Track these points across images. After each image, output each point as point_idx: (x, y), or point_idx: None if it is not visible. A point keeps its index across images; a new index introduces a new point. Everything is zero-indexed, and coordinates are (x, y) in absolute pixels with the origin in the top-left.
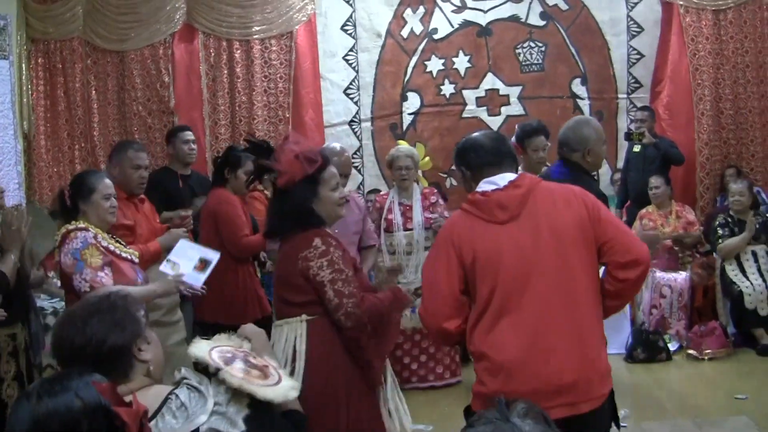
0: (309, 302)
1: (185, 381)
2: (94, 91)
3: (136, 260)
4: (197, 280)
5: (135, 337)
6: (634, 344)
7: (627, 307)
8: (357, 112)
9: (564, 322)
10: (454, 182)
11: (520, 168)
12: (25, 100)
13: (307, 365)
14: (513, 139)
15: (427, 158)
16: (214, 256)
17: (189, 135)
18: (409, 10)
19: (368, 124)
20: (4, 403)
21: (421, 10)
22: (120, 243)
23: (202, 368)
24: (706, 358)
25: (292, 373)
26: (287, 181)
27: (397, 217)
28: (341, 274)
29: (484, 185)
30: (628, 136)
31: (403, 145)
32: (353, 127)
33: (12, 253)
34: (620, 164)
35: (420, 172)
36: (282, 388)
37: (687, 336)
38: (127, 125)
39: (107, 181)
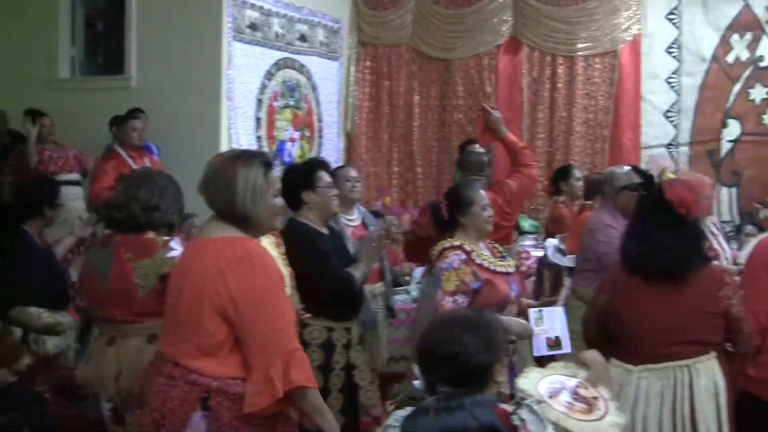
0: (719, 341)
1: (526, 402)
2: (417, 96)
3: (512, 270)
4: (539, 348)
5: (498, 358)
6: None
7: None
8: (675, 136)
9: None
10: None
11: None
12: (350, 100)
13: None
14: None
15: None
16: (567, 348)
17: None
18: (736, 36)
19: (686, 148)
20: (329, 390)
21: (749, 36)
22: (500, 253)
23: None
24: None
25: (717, 413)
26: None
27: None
28: None
29: None
30: None
31: None
32: (670, 150)
33: (365, 264)
34: None
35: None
36: (603, 424)
37: None
38: (447, 132)
39: (482, 192)
